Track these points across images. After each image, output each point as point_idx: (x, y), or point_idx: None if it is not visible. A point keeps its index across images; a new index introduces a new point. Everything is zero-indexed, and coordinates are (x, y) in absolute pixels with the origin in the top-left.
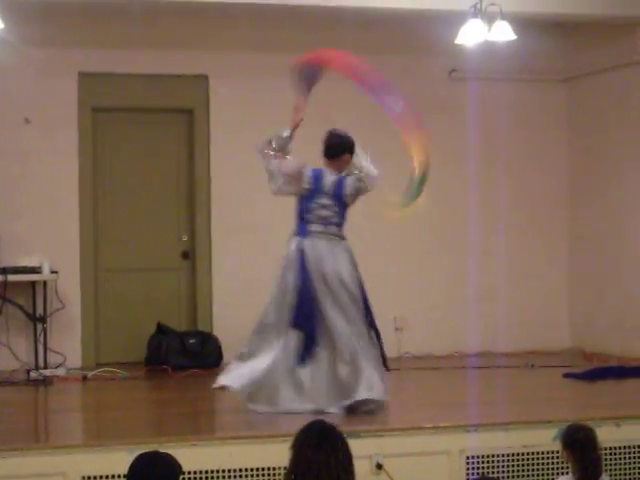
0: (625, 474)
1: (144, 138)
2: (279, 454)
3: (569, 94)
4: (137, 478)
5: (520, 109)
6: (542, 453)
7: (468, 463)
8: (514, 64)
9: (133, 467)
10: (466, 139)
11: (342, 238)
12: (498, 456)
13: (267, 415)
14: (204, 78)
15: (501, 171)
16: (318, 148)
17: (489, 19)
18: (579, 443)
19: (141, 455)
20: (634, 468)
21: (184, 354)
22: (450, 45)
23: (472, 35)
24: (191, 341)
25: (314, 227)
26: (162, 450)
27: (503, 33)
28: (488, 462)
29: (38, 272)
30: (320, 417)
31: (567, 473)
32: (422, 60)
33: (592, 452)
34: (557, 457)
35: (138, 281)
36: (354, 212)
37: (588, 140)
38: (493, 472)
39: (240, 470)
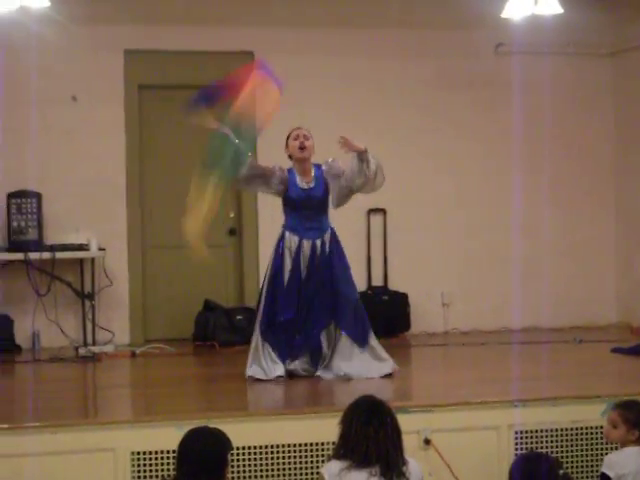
0: None
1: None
2: (328, 429)
3: (616, 68)
4: (187, 453)
5: (566, 83)
6: (590, 428)
7: (516, 438)
8: (560, 38)
9: (184, 442)
10: (512, 114)
11: None
12: (546, 431)
13: (315, 390)
14: (249, 54)
15: (548, 146)
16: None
17: None
18: None
19: (192, 430)
20: None
21: (231, 330)
22: (496, 19)
23: (519, 9)
24: (238, 317)
25: None
26: (211, 426)
27: (550, 6)
28: (536, 437)
29: (86, 249)
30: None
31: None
32: (468, 34)
33: None
34: None
35: (185, 258)
36: (398, 188)
37: (635, 114)
38: (541, 447)
39: (289, 445)
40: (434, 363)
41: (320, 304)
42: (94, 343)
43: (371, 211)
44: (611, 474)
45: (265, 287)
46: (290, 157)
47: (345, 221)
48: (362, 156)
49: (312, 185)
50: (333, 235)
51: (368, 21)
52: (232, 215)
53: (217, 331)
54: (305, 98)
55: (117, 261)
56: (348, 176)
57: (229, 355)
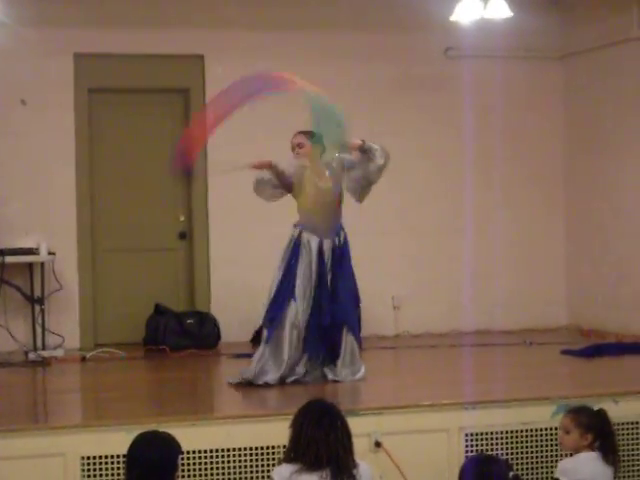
0: (623, 450)
1: (140, 118)
2: (278, 433)
3: (565, 71)
4: (137, 457)
5: (516, 87)
6: (541, 430)
7: (467, 440)
8: (510, 42)
9: (133, 446)
10: (462, 117)
11: None
12: (497, 433)
13: (266, 394)
14: (200, 58)
15: (498, 149)
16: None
17: None
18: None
19: (140, 435)
20: (632, 444)
21: (182, 334)
22: (446, 22)
23: (468, 12)
24: (189, 321)
25: None
26: (161, 430)
27: (499, 10)
28: (487, 439)
29: (35, 253)
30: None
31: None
32: (418, 37)
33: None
34: (555, 434)
35: (136, 262)
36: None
37: (584, 117)
38: (492, 449)
39: (239, 449)
40: (385, 366)
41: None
42: (44, 347)
43: None
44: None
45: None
46: None
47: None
48: (363, 149)
49: (327, 184)
50: (345, 236)
51: (319, 24)
52: (182, 219)
53: (168, 335)
54: (257, 103)
55: (67, 265)
56: (361, 168)
57: (180, 359)
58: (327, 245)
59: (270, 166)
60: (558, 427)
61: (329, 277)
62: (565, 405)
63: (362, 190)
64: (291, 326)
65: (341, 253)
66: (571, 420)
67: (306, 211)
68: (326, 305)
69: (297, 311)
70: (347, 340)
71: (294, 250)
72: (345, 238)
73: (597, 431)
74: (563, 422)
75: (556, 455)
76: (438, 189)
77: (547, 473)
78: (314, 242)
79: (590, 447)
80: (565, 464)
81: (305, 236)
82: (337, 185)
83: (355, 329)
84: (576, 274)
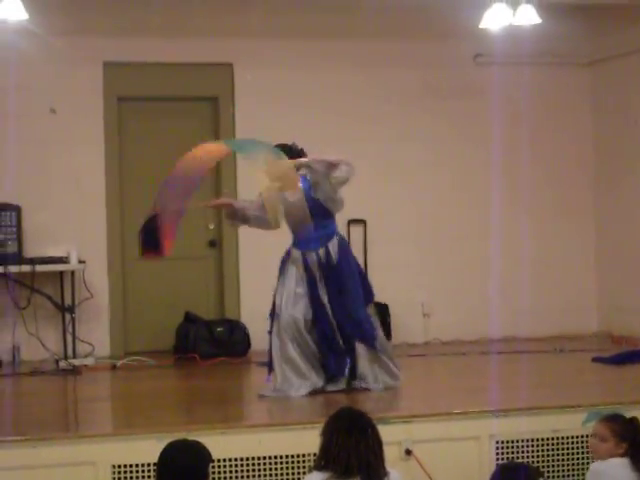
0: None
1: (169, 126)
2: (309, 441)
3: (594, 77)
4: (167, 466)
5: (545, 93)
6: (571, 437)
7: (497, 448)
8: (539, 48)
9: (163, 455)
10: (490, 123)
11: None
12: (527, 441)
13: (296, 403)
14: (229, 66)
15: (525, 155)
16: None
17: (514, 3)
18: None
19: (171, 443)
20: None
21: (212, 342)
22: (475, 29)
23: (497, 19)
24: (219, 329)
25: None
26: (191, 438)
27: (528, 17)
28: (517, 447)
29: (65, 262)
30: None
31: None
32: (447, 44)
33: None
34: (586, 441)
35: (165, 270)
36: (378, 199)
37: (613, 123)
38: (522, 457)
39: (269, 457)
40: (415, 374)
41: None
42: (74, 356)
43: (351, 222)
44: None
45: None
46: None
47: None
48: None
49: (298, 196)
50: (341, 242)
51: (347, 31)
52: (212, 227)
53: (198, 343)
54: (285, 110)
55: (97, 273)
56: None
57: (209, 367)
58: (311, 258)
59: (230, 205)
60: (591, 434)
61: (324, 290)
62: (596, 413)
63: (333, 204)
64: (291, 339)
65: (333, 263)
66: (608, 428)
67: (290, 227)
68: (324, 315)
69: (285, 325)
70: (359, 350)
71: (282, 268)
72: (341, 246)
73: (631, 440)
74: (598, 430)
75: (586, 463)
76: (466, 196)
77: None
78: (299, 256)
79: (623, 455)
80: (598, 466)
81: (294, 252)
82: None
83: (366, 335)
84: (606, 280)
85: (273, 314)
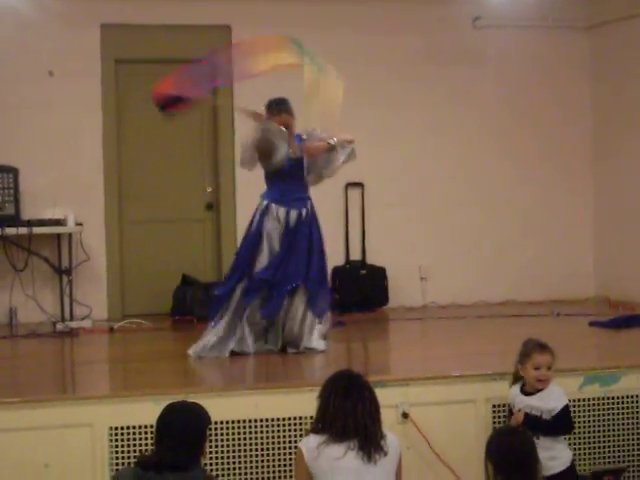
0: None
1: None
2: (306, 403)
3: (592, 42)
4: (166, 427)
5: (543, 57)
6: (569, 401)
7: (494, 412)
8: (538, 12)
9: (162, 417)
10: (489, 88)
11: None
12: None
13: (292, 365)
14: (227, 28)
15: (524, 120)
16: None
17: None
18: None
19: (170, 405)
20: None
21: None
22: None
23: None
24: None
25: None
26: (189, 400)
27: None
28: None
29: (63, 224)
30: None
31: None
32: (446, 8)
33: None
34: (583, 405)
35: (163, 233)
36: (376, 163)
37: (612, 88)
38: None
39: (267, 420)
40: (412, 337)
41: (295, 269)
42: (72, 318)
43: (349, 185)
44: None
45: (242, 253)
46: None
47: (323, 194)
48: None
49: (298, 154)
50: (312, 206)
51: None
52: (209, 190)
53: (195, 306)
54: (282, 73)
55: (95, 236)
56: (323, 159)
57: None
58: (294, 215)
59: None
60: (534, 367)
61: (300, 245)
62: (593, 377)
63: (316, 178)
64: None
65: (309, 225)
66: (550, 354)
67: (276, 180)
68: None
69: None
70: (298, 306)
71: (260, 222)
72: (312, 209)
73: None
74: (545, 360)
75: (584, 426)
76: (464, 161)
77: (573, 444)
78: (282, 213)
79: None
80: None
81: (273, 207)
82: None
83: (315, 300)
84: (604, 246)
85: (243, 266)
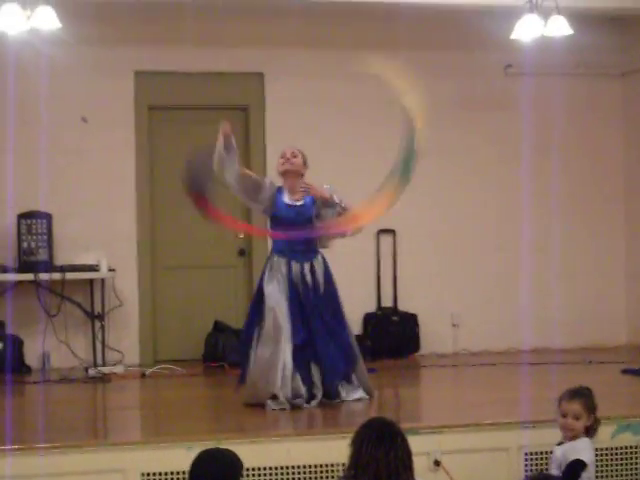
0: None
1: (200, 135)
2: (338, 450)
3: (625, 89)
4: (200, 474)
5: (576, 104)
6: (601, 449)
7: (526, 460)
8: (570, 59)
9: (196, 463)
10: (521, 135)
11: None
12: None
13: (325, 412)
14: (259, 75)
15: (556, 167)
16: None
17: (545, 14)
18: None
19: (204, 452)
20: None
21: None
22: (506, 40)
23: (528, 30)
24: None
25: None
26: (222, 447)
27: (559, 28)
28: (546, 459)
29: (96, 270)
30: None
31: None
32: (477, 55)
33: None
34: (616, 454)
35: (195, 278)
36: (408, 209)
37: None
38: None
39: (299, 467)
40: (444, 384)
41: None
42: (104, 364)
43: (380, 232)
44: (585, 459)
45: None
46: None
47: (355, 242)
48: (327, 203)
49: (301, 202)
50: (324, 260)
51: (378, 43)
52: (241, 235)
53: (227, 352)
54: (315, 120)
55: (127, 282)
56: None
57: (239, 376)
58: (296, 268)
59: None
60: (562, 414)
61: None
62: (626, 425)
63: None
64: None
65: (317, 279)
66: (581, 405)
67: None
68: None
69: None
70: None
71: (266, 274)
72: (325, 263)
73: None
74: (571, 409)
75: (617, 474)
76: (496, 206)
77: None
78: (284, 265)
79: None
80: (576, 445)
81: (276, 259)
82: (312, 208)
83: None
84: (636, 292)
85: (258, 318)
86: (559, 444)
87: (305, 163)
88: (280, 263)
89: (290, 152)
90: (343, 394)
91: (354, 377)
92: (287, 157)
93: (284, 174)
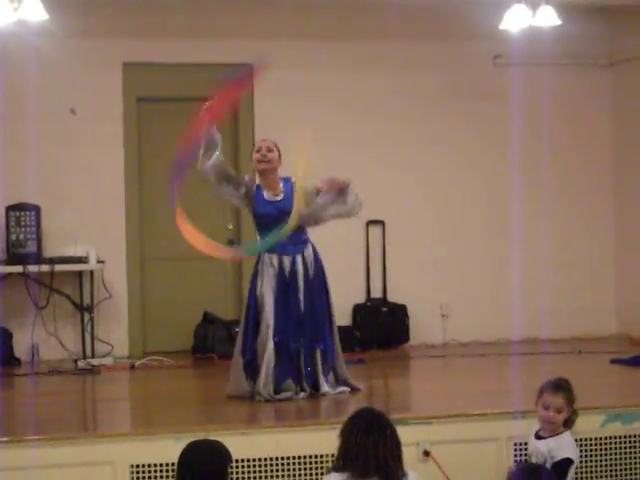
0: None
1: (189, 127)
2: (327, 441)
3: (614, 79)
4: (188, 466)
5: (565, 94)
6: (590, 439)
7: (516, 450)
8: (558, 49)
9: (184, 455)
10: (510, 125)
11: None
12: None
13: (314, 403)
14: (248, 66)
15: (546, 157)
16: None
17: (533, 4)
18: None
19: (192, 443)
20: None
21: (230, 342)
22: (494, 30)
23: (516, 20)
24: (237, 329)
25: None
26: (210, 438)
27: (548, 18)
28: None
29: (85, 262)
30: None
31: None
32: (466, 46)
33: None
34: (605, 444)
35: (184, 270)
36: (397, 200)
37: (633, 125)
38: None
39: (288, 458)
40: (433, 374)
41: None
42: (93, 356)
43: (370, 223)
44: (572, 456)
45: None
46: (258, 174)
47: (344, 232)
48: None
49: (280, 197)
50: (314, 251)
51: (368, 33)
52: (230, 227)
53: (216, 343)
54: (305, 112)
55: (116, 273)
56: (321, 204)
57: (228, 367)
58: (288, 261)
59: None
60: (543, 407)
61: (299, 296)
62: (614, 415)
63: (308, 221)
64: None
65: (308, 271)
66: (562, 398)
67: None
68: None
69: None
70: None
71: (257, 273)
72: (315, 254)
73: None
74: (553, 402)
75: (605, 464)
76: (486, 197)
77: None
78: (275, 260)
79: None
80: (562, 441)
81: (267, 255)
82: (291, 201)
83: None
84: (625, 283)
85: (254, 314)
86: (538, 437)
87: (280, 156)
88: (271, 259)
89: (265, 147)
90: (327, 388)
91: (336, 372)
92: (263, 153)
93: (261, 173)
